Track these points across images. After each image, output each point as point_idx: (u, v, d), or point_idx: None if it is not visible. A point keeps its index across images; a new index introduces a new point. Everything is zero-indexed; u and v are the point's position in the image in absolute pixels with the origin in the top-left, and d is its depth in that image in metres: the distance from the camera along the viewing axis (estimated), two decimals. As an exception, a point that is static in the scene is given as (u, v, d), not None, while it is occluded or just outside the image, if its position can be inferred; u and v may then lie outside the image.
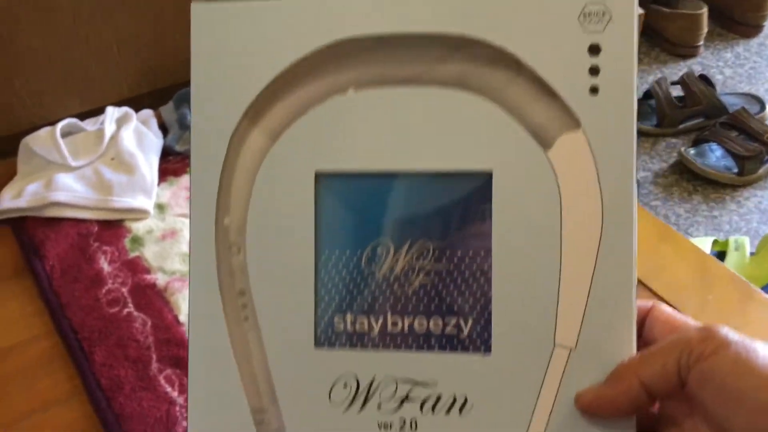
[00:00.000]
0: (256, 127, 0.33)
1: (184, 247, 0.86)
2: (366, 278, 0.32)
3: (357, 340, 0.32)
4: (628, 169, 0.31)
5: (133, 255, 0.85)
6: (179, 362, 0.73)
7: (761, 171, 1.45)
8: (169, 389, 0.71)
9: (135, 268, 0.84)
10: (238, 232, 0.33)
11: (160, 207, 0.92)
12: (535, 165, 0.31)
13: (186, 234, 0.88)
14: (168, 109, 1.05)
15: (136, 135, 0.97)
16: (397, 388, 0.32)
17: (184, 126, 1.01)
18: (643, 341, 0.33)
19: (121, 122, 0.98)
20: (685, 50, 1.84)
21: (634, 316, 0.31)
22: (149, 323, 0.77)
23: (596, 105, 0.31)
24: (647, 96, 1.60)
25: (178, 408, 0.69)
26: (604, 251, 0.31)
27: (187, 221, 0.90)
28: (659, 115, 1.58)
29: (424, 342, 0.32)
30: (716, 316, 0.69)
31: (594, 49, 0.31)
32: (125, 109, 1.00)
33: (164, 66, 1.09)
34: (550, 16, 0.31)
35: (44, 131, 0.94)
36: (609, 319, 0.31)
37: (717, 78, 1.76)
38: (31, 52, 1.00)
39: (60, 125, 0.95)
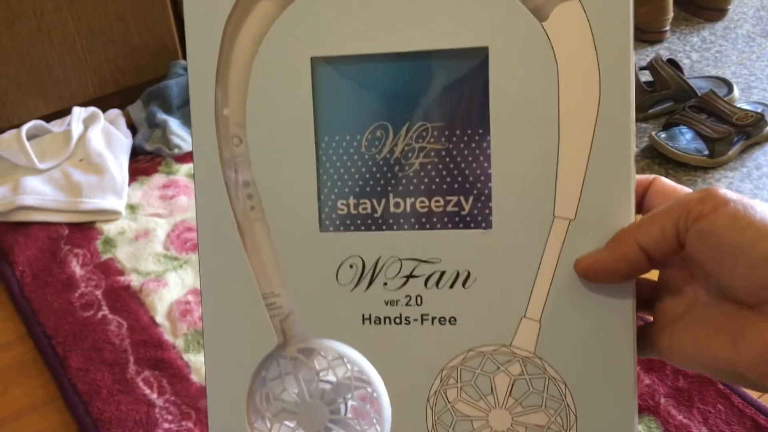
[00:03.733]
0: (248, 17, 0.33)
1: (158, 247, 0.84)
2: (367, 161, 0.33)
3: (361, 222, 0.33)
4: (624, 38, 0.31)
5: (105, 257, 0.84)
6: (157, 364, 0.72)
7: (731, 152, 1.47)
8: (147, 391, 0.69)
9: (108, 270, 0.82)
10: (238, 123, 0.33)
11: (132, 207, 0.90)
12: (531, 38, 0.31)
13: (159, 234, 0.86)
14: (136, 108, 1.03)
15: (104, 135, 0.95)
16: (401, 266, 0.32)
17: (153, 125, 0.99)
18: (643, 214, 0.32)
19: (88, 122, 0.96)
20: (652, 36, 1.86)
21: (633, 186, 0.31)
22: (125, 326, 0.76)
23: None
24: (617, 82, 1.61)
25: (157, 410, 0.68)
26: (602, 122, 0.31)
27: (160, 221, 0.88)
28: (629, 101, 1.58)
29: (426, 221, 0.32)
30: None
31: None
32: (92, 109, 0.98)
33: (131, 64, 1.07)
34: None
35: (9, 134, 0.92)
36: (608, 189, 0.31)
37: (684, 62, 1.78)
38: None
39: (25, 127, 0.93)
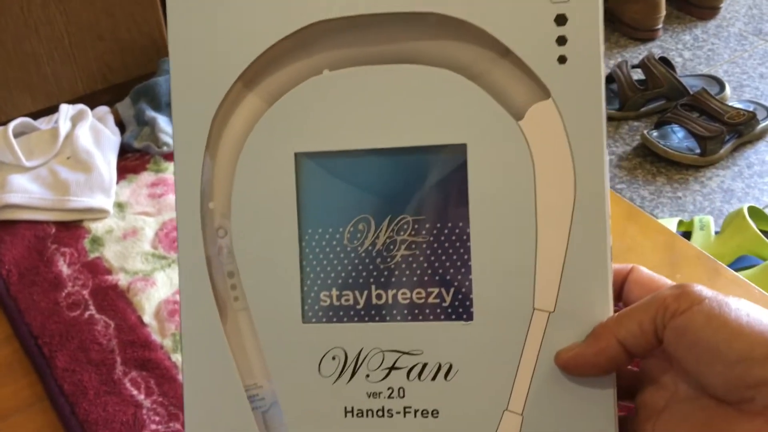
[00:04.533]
0: (234, 113, 0.34)
1: (146, 246, 0.84)
2: (349, 254, 0.33)
3: (343, 314, 0.33)
4: (598, 135, 0.32)
5: (93, 256, 0.83)
6: (145, 364, 0.71)
7: (722, 151, 1.47)
8: (135, 392, 0.69)
9: (95, 269, 0.81)
10: (223, 215, 0.34)
11: (120, 206, 0.89)
12: (507, 136, 0.32)
13: (147, 232, 0.86)
14: (125, 105, 1.02)
15: (92, 132, 0.94)
16: (383, 358, 0.33)
17: (142, 122, 0.99)
18: (623, 303, 0.33)
19: (76, 120, 0.95)
20: (644, 34, 1.86)
21: (610, 279, 0.32)
22: (112, 325, 0.75)
23: (565, 74, 0.31)
24: (609, 80, 1.61)
25: (144, 411, 0.67)
26: (578, 216, 0.32)
27: (148, 219, 0.87)
28: (621, 99, 1.59)
29: (408, 312, 0.33)
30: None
31: (561, 19, 0.31)
32: (80, 106, 0.97)
33: (120, 61, 1.06)
34: None
35: (-5, 131, 0.91)
36: (585, 281, 0.32)
37: (677, 60, 1.78)
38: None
39: (12, 125, 0.92)
